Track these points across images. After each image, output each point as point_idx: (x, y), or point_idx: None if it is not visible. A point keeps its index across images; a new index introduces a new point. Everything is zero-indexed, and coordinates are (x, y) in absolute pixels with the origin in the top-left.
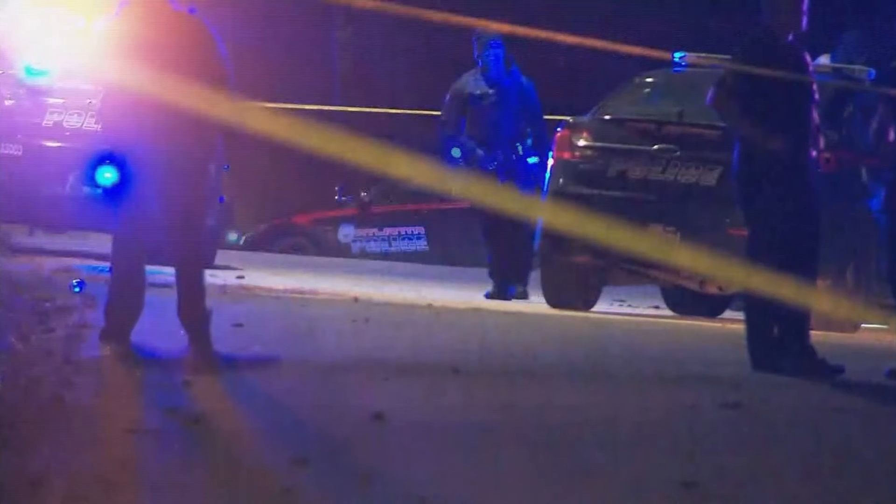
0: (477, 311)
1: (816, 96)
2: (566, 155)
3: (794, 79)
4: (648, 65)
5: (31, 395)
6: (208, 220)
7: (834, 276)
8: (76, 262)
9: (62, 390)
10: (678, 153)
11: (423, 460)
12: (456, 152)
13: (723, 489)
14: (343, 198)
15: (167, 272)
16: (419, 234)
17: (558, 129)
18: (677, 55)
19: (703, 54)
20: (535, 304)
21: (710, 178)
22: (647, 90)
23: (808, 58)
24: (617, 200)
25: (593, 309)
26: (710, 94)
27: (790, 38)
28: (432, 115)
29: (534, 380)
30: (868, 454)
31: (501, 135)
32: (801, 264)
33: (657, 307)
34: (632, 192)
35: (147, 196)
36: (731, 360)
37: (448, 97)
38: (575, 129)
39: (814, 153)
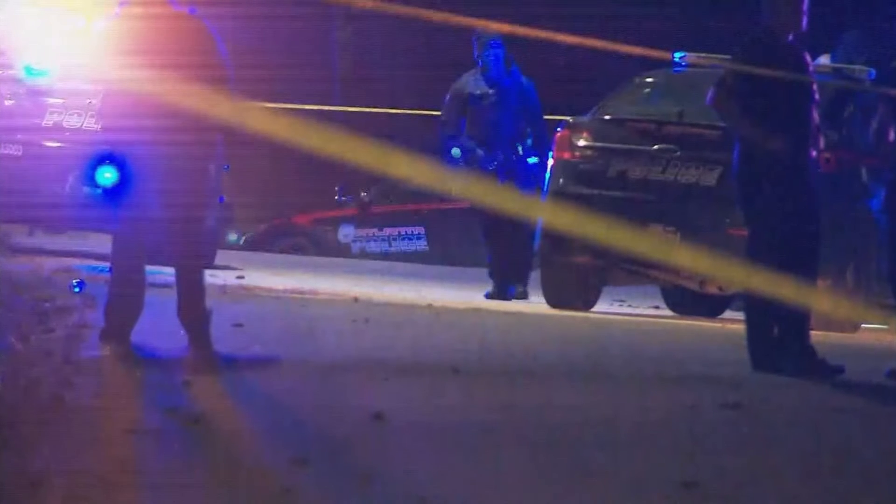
0: (477, 311)
1: (816, 96)
2: (566, 155)
3: (794, 79)
4: (648, 65)
5: (31, 395)
6: (208, 220)
7: (834, 276)
8: (76, 262)
9: (62, 390)
10: (678, 153)
11: (423, 460)
12: (456, 152)
13: (723, 489)
14: (343, 198)
15: (167, 272)
16: (419, 234)
17: (558, 129)
18: (677, 55)
19: (703, 54)
20: (535, 304)
21: (710, 178)
22: (647, 90)
23: (808, 58)
24: (617, 200)
25: (593, 309)
26: (710, 94)
27: (790, 38)
28: (432, 115)
29: (534, 380)
30: (868, 454)
31: (501, 135)
32: (802, 264)
33: (657, 307)
34: (632, 192)
35: (147, 196)
36: (731, 360)
37: (448, 97)
38: (575, 129)
39: (814, 153)
